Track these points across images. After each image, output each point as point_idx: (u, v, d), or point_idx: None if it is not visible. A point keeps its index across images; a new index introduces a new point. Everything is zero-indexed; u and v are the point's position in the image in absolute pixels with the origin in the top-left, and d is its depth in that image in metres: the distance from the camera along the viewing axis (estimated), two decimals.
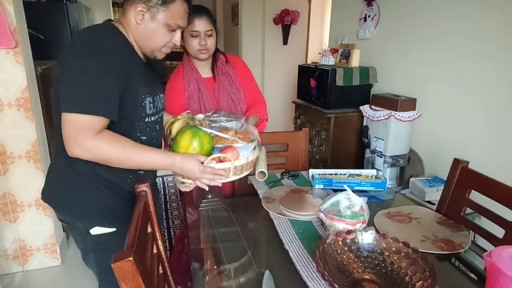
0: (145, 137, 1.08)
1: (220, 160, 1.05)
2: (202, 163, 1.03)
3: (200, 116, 1.24)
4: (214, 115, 1.28)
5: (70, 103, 0.88)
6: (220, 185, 1.08)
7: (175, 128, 1.19)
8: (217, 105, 1.57)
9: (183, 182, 1.13)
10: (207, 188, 1.08)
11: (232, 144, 1.09)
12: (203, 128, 1.08)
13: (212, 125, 1.21)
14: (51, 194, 1.10)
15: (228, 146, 1.08)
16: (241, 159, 1.07)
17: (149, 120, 1.07)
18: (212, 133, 1.11)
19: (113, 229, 1.07)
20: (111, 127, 0.95)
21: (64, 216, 1.10)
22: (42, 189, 1.11)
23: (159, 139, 1.18)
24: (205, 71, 1.58)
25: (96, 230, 1.06)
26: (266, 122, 1.70)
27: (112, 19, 1.09)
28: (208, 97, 1.55)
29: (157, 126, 1.13)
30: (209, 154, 1.06)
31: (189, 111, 1.38)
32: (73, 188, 1.05)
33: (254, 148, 1.14)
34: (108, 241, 1.07)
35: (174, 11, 1.01)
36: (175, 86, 1.56)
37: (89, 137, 0.89)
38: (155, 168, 1.08)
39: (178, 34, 1.07)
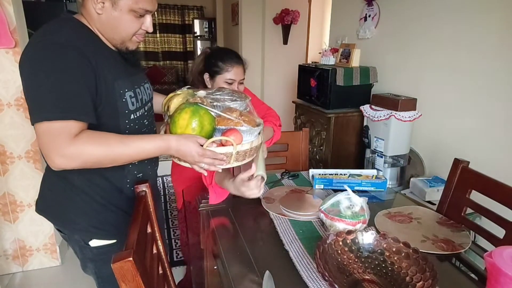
0: None
1: (222, 144, 0.95)
2: (202, 145, 0.93)
3: (201, 92, 1.09)
4: (217, 93, 1.13)
5: (36, 113, 0.80)
6: (220, 170, 0.99)
7: (174, 104, 1.05)
8: None
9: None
10: (205, 173, 1.00)
11: (235, 126, 0.98)
12: (204, 106, 0.95)
13: (215, 103, 1.06)
14: (46, 207, 1.04)
15: (231, 128, 0.97)
16: (244, 144, 0.97)
17: (135, 116, 0.98)
18: (214, 112, 0.99)
19: (113, 241, 1.03)
20: (87, 129, 0.86)
21: (61, 227, 1.05)
22: (36, 200, 1.06)
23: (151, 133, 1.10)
24: None
25: (95, 242, 1.01)
26: (280, 128, 1.60)
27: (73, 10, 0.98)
28: None
29: (145, 120, 1.04)
30: (209, 136, 0.96)
31: (189, 86, 1.26)
32: (68, 201, 0.98)
33: (259, 133, 1.04)
34: (108, 252, 1.01)
35: None
36: None
37: (67, 143, 0.79)
38: (151, 157, 0.95)
39: (148, 19, 0.95)
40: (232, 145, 0.95)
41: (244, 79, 1.43)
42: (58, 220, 1.03)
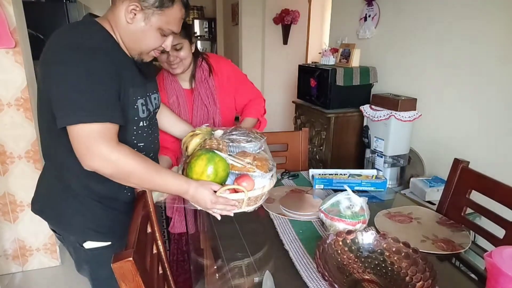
0: (142, 144, 1.02)
1: (235, 190, 1.00)
2: (215, 191, 0.97)
3: (219, 132, 1.16)
4: (233, 133, 1.19)
5: (71, 114, 0.80)
6: (232, 215, 1.02)
7: (192, 145, 1.12)
8: (191, 117, 1.49)
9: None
10: (219, 218, 1.03)
11: (248, 172, 1.02)
12: (219, 153, 1.00)
13: (230, 144, 1.13)
14: (41, 207, 1.03)
15: (244, 174, 1.02)
16: (256, 189, 1.00)
17: (143, 124, 1.01)
18: (228, 159, 1.03)
19: (108, 243, 1.02)
20: None
21: (56, 228, 1.05)
22: (31, 199, 1.05)
23: (157, 144, 1.12)
24: (185, 82, 1.49)
25: (90, 244, 1.00)
26: (265, 116, 1.63)
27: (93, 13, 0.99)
28: (185, 110, 1.48)
29: (150, 130, 1.07)
30: (223, 181, 1.01)
31: (208, 124, 1.31)
32: (64, 202, 0.98)
33: (272, 176, 1.07)
34: (103, 254, 1.01)
35: (169, 16, 0.92)
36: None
37: (109, 148, 0.81)
38: (168, 192, 1.00)
39: (169, 39, 0.99)
40: (244, 192, 0.99)
41: (181, 43, 1.32)
42: (54, 220, 1.03)
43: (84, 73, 0.81)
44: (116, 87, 0.88)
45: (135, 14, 0.90)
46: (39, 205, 1.04)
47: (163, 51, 1.28)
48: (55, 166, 0.99)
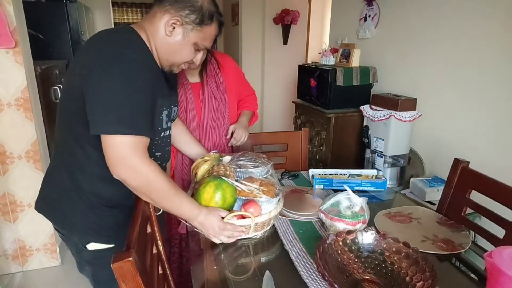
0: (159, 153, 1.03)
1: (242, 216, 1.01)
2: (223, 217, 0.98)
3: (227, 158, 1.21)
4: (241, 159, 1.25)
5: (110, 124, 0.81)
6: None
7: (201, 171, 1.16)
8: (200, 110, 1.51)
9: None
10: (226, 241, 1.02)
11: (255, 198, 1.04)
12: (227, 180, 1.03)
13: (238, 169, 1.18)
14: (46, 206, 1.03)
15: (250, 200, 1.04)
16: (263, 215, 1.02)
17: (164, 134, 1.03)
18: (236, 185, 1.06)
19: (111, 245, 1.02)
20: None
21: (60, 227, 1.04)
22: (36, 198, 1.05)
23: (169, 154, 1.14)
24: (194, 76, 1.52)
25: (93, 246, 1.01)
26: (257, 111, 1.71)
27: (132, 22, 1.01)
28: (193, 105, 1.49)
29: (169, 140, 1.10)
30: (231, 207, 1.04)
31: (216, 150, 1.35)
32: (69, 202, 0.98)
33: (279, 201, 1.09)
34: (106, 256, 0.98)
35: (206, 33, 0.96)
36: None
37: (142, 161, 0.83)
38: (179, 214, 0.98)
39: (201, 53, 1.02)
40: (251, 217, 1.00)
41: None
42: (58, 219, 1.03)
43: (126, 83, 0.82)
44: (152, 99, 0.90)
45: (174, 28, 0.92)
46: (43, 204, 1.03)
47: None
48: (68, 167, 0.97)
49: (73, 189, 0.97)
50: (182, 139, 1.35)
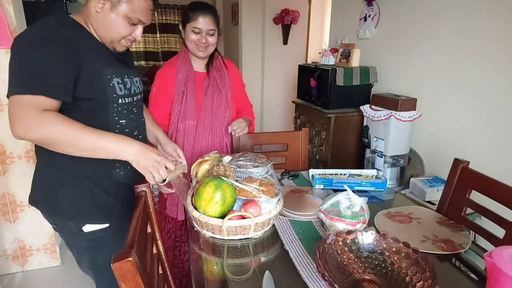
0: (124, 120, 1.06)
1: (242, 217, 1.02)
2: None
3: (227, 158, 1.21)
4: (241, 159, 1.26)
5: (10, 87, 0.87)
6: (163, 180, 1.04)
7: (201, 171, 1.17)
8: (200, 102, 1.54)
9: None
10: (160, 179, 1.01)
11: (255, 198, 1.05)
12: (227, 180, 1.04)
13: (238, 169, 1.19)
14: (38, 197, 1.07)
15: (250, 200, 1.05)
16: (263, 215, 1.02)
17: (123, 101, 1.05)
18: (236, 184, 1.07)
19: (106, 225, 1.06)
20: (79, 111, 0.94)
21: (53, 217, 1.07)
22: (29, 194, 1.08)
23: (140, 125, 1.16)
24: (199, 66, 1.59)
25: (88, 227, 1.04)
26: (254, 122, 1.77)
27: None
28: (192, 91, 1.53)
29: (135, 109, 1.11)
30: (231, 207, 1.04)
31: (216, 151, 1.34)
32: (58, 187, 1.02)
33: (278, 201, 1.09)
34: (102, 237, 1.06)
35: (135, 5, 0.99)
36: (166, 74, 1.55)
37: (32, 115, 0.85)
38: (106, 153, 0.95)
39: (139, 29, 1.05)
40: (251, 218, 1.00)
41: (214, 30, 1.48)
42: (50, 209, 1.06)
43: (34, 52, 0.87)
44: (71, 65, 0.91)
45: (104, 4, 0.97)
46: (35, 196, 1.07)
47: (197, 33, 1.46)
48: (48, 153, 0.96)
49: (56, 173, 1.02)
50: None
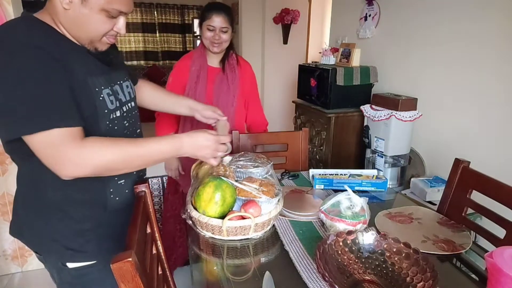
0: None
1: (242, 217, 1.01)
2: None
3: (227, 159, 1.19)
4: (241, 159, 1.27)
5: (27, 122, 0.72)
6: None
7: (202, 171, 1.17)
8: (211, 93, 1.65)
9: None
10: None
11: (255, 198, 1.05)
12: (226, 180, 1.04)
13: (238, 169, 1.20)
14: (19, 229, 0.94)
15: (250, 200, 1.04)
16: (263, 215, 1.02)
17: (114, 116, 0.90)
18: (235, 185, 1.06)
19: (94, 262, 0.94)
20: None
21: (37, 249, 0.95)
22: (10, 223, 0.97)
23: (134, 136, 1.02)
24: (213, 61, 1.70)
25: (74, 264, 0.92)
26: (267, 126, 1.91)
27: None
28: (204, 83, 1.65)
29: (126, 122, 0.96)
30: (231, 207, 1.04)
31: None
32: (42, 221, 0.89)
33: (278, 201, 1.09)
34: (88, 274, 0.94)
35: None
36: (182, 65, 1.70)
37: (76, 148, 0.75)
38: (164, 157, 0.90)
39: (121, 20, 0.86)
40: (250, 218, 1.00)
41: (227, 27, 1.59)
42: (33, 243, 0.94)
43: (16, 79, 0.71)
44: (67, 84, 0.77)
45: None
46: (17, 227, 0.95)
47: (211, 30, 1.57)
48: (29, 183, 0.90)
49: (40, 204, 0.89)
50: (160, 98, 1.26)
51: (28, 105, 0.72)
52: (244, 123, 1.83)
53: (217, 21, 1.57)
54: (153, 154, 0.87)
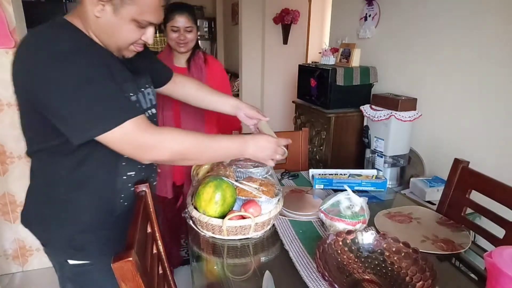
0: None
1: (242, 217, 1.02)
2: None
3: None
4: (241, 159, 1.27)
5: (100, 122, 0.76)
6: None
7: (202, 171, 1.18)
8: None
9: None
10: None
11: (255, 198, 1.05)
12: (227, 180, 1.04)
13: (238, 169, 1.20)
14: (29, 220, 0.96)
15: (250, 200, 1.05)
16: (263, 215, 1.02)
17: None
18: (236, 185, 1.07)
19: (94, 261, 0.95)
20: (93, 144, 0.78)
21: (42, 241, 0.97)
22: (21, 212, 0.99)
23: None
24: (180, 61, 1.70)
25: (74, 261, 0.94)
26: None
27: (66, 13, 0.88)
28: None
29: None
30: (231, 207, 1.04)
31: None
32: (51, 216, 0.92)
33: (278, 201, 1.09)
34: (88, 272, 0.95)
35: (143, 5, 0.80)
36: None
37: (154, 134, 0.81)
38: (229, 154, 0.98)
39: (149, 31, 0.87)
40: (251, 218, 1.00)
41: (191, 27, 1.59)
42: (40, 235, 0.96)
43: (82, 79, 0.75)
44: (114, 82, 0.82)
45: (103, 6, 0.79)
46: (27, 219, 0.97)
47: (175, 31, 1.57)
48: (45, 179, 0.92)
49: (52, 200, 0.91)
50: (205, 95, 1.26)
51: (97, 106, 0.76)
52: (239, 122, 1.77)
53: (181, 21, 1.56)
54: (223, 149, 0.94)
